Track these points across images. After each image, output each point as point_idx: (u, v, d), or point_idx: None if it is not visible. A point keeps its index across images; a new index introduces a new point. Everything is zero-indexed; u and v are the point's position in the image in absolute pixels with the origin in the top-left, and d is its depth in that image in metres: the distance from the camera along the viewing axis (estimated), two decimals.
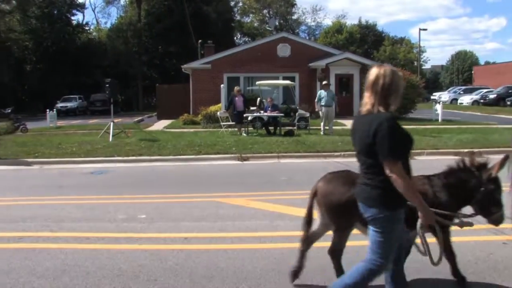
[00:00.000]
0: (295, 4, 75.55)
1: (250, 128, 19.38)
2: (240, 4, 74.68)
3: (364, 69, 26.97)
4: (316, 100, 18.64)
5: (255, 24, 74.32)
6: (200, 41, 37.53)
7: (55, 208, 7.91)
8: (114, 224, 6.75)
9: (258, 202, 7.76)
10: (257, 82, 22.53)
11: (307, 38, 68.51)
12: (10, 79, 49.31)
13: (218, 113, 20.79)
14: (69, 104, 42.14)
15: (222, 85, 24.91)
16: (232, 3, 68.96)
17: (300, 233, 4.39)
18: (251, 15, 76.42)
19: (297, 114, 20.30)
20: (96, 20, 76.06)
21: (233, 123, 19.35)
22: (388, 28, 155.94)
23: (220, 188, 9.27)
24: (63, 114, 37.59)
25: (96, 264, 5.12)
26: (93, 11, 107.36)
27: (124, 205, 8.00)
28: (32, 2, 52.20)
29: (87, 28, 59.75)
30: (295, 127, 19.16)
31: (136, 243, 5.84)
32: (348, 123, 22.27)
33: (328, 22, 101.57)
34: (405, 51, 68.11)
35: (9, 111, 23.15)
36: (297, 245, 4.40)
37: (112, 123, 17.92)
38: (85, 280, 4.68)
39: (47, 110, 26.70)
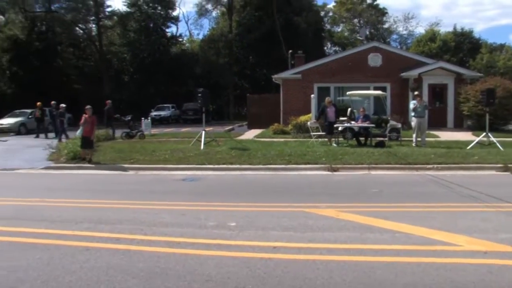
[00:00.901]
0: (387, 12, 74.07)
1: (341, 139, 19.13)
2: (331, 14, 74.36)
3: (459, 79, 25.94)
4: (411, 110, 18.09)
5: (346, 34, 73.53)
6: (290, 51, 37.63)
7: (148, 212, 8.21)
8: (205, 230, 6.86)
9: (348, 214, 7.62)
10: (348, 93, 22.22)
11: (399, 47, 66.87)
12: (109, 89, 51.97)
13: (309, 123, 20.68)
14: (162, 113, 43.65)
15: (312, 95, 24.86)
16: (323, 13, 68.83)
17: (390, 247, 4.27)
18: (341, 24, 75.77)
19: (388, 125, 19.79)
20: (189, 31, 78.64)
21: (323, 133, 19.20)
22: (485, 35, 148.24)
23: (310, 198, 9.22)
24: (157, 122, 38.88)
25: (186, 268, 5.24)
26: (186, 23, 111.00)
27: (214, 212, 8.13)
28: (131, 16, 54.79)
29: (180, 39, 61.71)
30: (386, 138, 18.68)
31: (225, 250, 5.90)
32: (442, 135, 21.55)
33: (420, 30, 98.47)
34: (505, 58, 64.57)
35: (129, 118, 24.34)
36: (387, 259, 4.28)
37: (203, 131, 18.32)
38: (176, 284, 4.79)
39: (142, 118, 27.78)
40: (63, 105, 24.97)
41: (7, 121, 31.46)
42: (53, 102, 27.10)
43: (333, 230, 6.70)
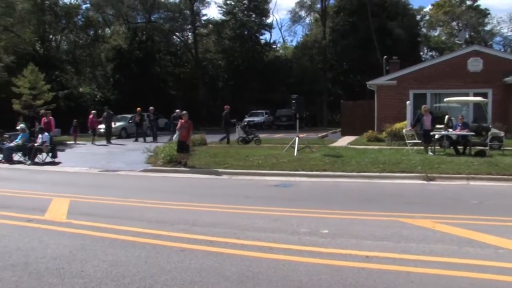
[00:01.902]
0: (489, 13, 70.18)
1: (437, 147, 18.44)
2: (427, 17, 71.80)
3: None
4: None
5: (443, 38, 70.64)
6: (385, 57, 36.83)
7: (242, 217, 8.32)
8: (297, 237, 6.85)
9: (445, 226, 7.32)
10: (446, 99, 21.38)
11: (503, 50, 63.26)
12: (204, 95, 53.39)
13: (404, 130, 20.14)
14: (256, 119, 44.15)
15: (408, 102, 24.18)
16: (418, 17, 66.64)
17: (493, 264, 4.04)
18: (438, 28, 72.81)
19: (489, 133, 18.78)
20: (283, 38, 79.27)
21: (419, 141, 18.61)
22: None
23: (404, 207, 8.96)
24: (251, 128, 39.35)
25: (278, 274, 5.25)
26: (280, 30, 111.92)
27: (306, 218, 8.10)
28: (226, 24, 56.03)
29: (274, 46, 62.26)
30: (487, 147, 17.75)
31: (317, 257, 5.85)
32: None
33: None
34: None
35: (245, 123, 24.82)
36: (490, 276, 4.06)
37: (297, 138, 18.34)
38: None
39: (236, 123, 28.26)
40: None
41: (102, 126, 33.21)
42: (151, 107, 28.26)
43: (428, 242, 6.45)
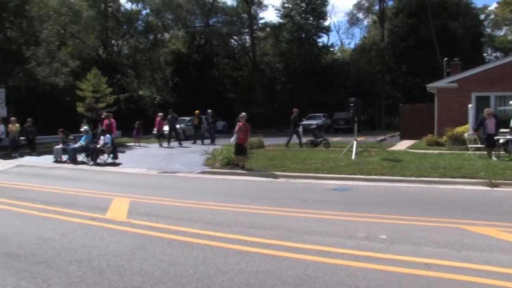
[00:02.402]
0: None
1: (502, 152, 17.78)
2: (492, 16, 69.20)
3: None
4: None
5: (509, 37, 67.92)
6: (445, 58, 35.85)
7: (299, 220, 8.30)
8: (354, 241, 6.78)
9: (510, 234, 7.04)
10: (511, 102, 20.66)
11: None
12: (262, 98, 53.62)
13: (466, 134, 19.53)
14: (313, 122, 43.79)
15: (470, 105, 23.44)
16: (482, 16, 64.25)
17: None
18: (504, 27, 69.90)
19: None
20: (340, 41, 78.68)
21: (482, 145, 18.01)
22: None
23: (466, 214, 8.67)
24: (308, 131, 39.15)
25: (334, 278, 5.22)
26: (337, 32, 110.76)
27: (364, 223, 8.01)
28: (283, 27, 56.11)
29: (332, 49, 61.79)
30: None
31: (375, 262, 5.78)
32: None
33: None
34: None
35: (314, 126, 24.75)
36: None
37: (355, 141, 18.15)
38: None
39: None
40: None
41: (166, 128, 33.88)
42: (209, 110, 28.61)
43: (492, 251, 6.22)
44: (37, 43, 36.66)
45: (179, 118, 33.99)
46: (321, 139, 23.98)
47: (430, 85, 27.74)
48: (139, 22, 55.82)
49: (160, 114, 29.69)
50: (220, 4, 60.20)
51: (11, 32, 34.13)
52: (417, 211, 9.11)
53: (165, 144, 28.07)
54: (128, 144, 29.65)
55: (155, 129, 29.78)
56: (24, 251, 6.58)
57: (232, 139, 16.97)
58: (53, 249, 6.62)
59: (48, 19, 38.88)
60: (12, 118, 24.92)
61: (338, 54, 66.19)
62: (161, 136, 28.61)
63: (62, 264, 5.97)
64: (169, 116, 29.11)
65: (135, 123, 30.02)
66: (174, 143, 28.50)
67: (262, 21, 60.86)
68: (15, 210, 9.68)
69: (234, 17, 58.38)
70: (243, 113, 17.06)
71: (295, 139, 24.56)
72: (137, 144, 29.39)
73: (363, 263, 5.76)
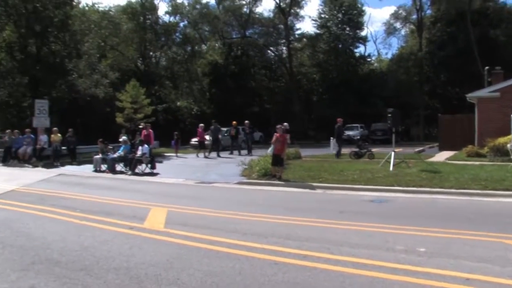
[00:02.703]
0: None
1: None
2: None
3: None
4: None
5: None
6: (486, 67, 35.13)
7: (336, 232, 8.24)
8: (392, 254, 6.67)
9: None
10: None
11: None
12: (299, 108, 53.58)
13: (508, 145, 19.07)
14: (351, 133, 43.47)
15: None
16: None
17: None
18: None
19: None
20: (377, 51, 77.82)
21: None
22: None
23: (509, 229, 8.40)
24: (346, 142, 38.81)
25: None
26: (374, 42, 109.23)
27: (403, 236, 7.88)
28: (320, 38, 56.03)
29: (369, 59, 61.39)
30: None
31: (413, 276, 5.67)
32: None
33: None
34: None
35: (358, 137, 24.49)
36: None
37: (393, 152, 17.94)
38: None
39: (331, 138, 28.07)
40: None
41: (207, 137, 34.16)
42: (246, 121, 28.74)
43: None
44: (78, 55, 37.63)
45: None
46: (365, 150, 23.67)
47: (470, 94, 27.20)
48: (177, 34, 56.86)
49: (201, 125, 29.47)
50: (257, 15, 60.65)
51: (55, 46, 35.18)
52: (457, 224, 8.91)
53: (202, 154, 27.94)
54: (166, 154, 29.99)
55: (196, 139, 29.93)
56: (65, 258, 6.75)
57: (269, 150, 16.99)
58: (92, 257, 6.75)
59: (89, 33, 39.94)
60: (54, 128, 25.72)
61: (375, 64, 65.58)
62: (202, 147, 28.49)
63: (101, 271, 6.09)
64: (212, 127, 28.95)
65: (174, 133, 30.28)
66: (212, 154, 28.66)
67: (298, 31, 61.08)
68: (56, 218, 9.93)
69: (270, 28, 58.64)
70: (285, 124, 17.07)
71: (331, 150, 24.41)
72: (176, 154, 29.40)
73: (401, 276, 5.66)
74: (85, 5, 50.70)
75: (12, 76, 35.17)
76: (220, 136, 29.94)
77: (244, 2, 60.45)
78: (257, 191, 14.60)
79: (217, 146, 28.60)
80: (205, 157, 27.21)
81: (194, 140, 32.57)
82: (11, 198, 13.17)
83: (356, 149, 23.71)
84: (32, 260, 6.66)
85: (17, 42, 34.38)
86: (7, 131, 27.20)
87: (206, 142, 28.84)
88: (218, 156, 27.63)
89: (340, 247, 7.06)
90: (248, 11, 60.10)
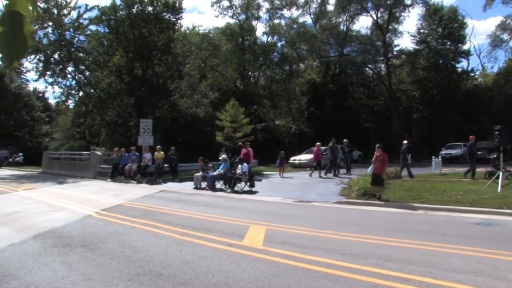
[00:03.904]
0: None
1: None
2: None
3: None
4: None
5: None
6: None
7: (439, 255, 7.91)
8: (504, 283, 6.31)
9: None
10: None
11: None
12: (398, 126, 52.31)
13: None
14: (453, 152, 41.79)
15: None
16: None
17: None
18: None
19: None
20: (482, 65, 74.27)
21: None
22: None
23: None
24: (447, 161, 37.33)
25: None
26: (478, 56, 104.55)
27: None
28: (419, 54, 54.52)
29: (472, 74, 58.65)
30: None
31: None
32: None
33: None
34: None
35: (495, 156, 22.97)
36: None
37: (501, 172, 17.04)
38: None
39: (432, 157, 27.10)
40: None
41: (305, 157, 34.26)
42: (345, 140, 28.44)
43: None
44: (180, 76, 39.27)
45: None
46: (504, 170, 21.63)
47: None
48: (275, 54, 57.69)
49: (318, 143, 28.36)
50: (354, 33, 60.18)
51: (159, 68, 37.02)
52: None
53: (316, 174, 27.16)
54: (265, 172, 30.31)
55: (312, 158, 29.10)
56: (167, 271, 7.05)
57: (369, 169, 16.70)
58: (192, 271, 6.98)
59: (190, 54, 41.54)
60: (158, 146, 26.90)
61: (480, 79, 62.52)
62: (318, 166, 27.51)
63: (201, 286, 6.28)
64: (330, 144, 27.88)
65: (279, 153, 30.05)
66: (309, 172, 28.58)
67: (397, 48, 59.74)
68: (159, 233, 10.35)
69: (368, 46, 57.87)
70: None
71: (432, 169, 23.50)
72: (281, 174, 28.63)
73: None
74: (186, 28, 53.22)
75: (120, 98, 37.45)
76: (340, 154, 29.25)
77: (340, 20, 60.29)
78: (356, 211, 14.38)
79: (335, 166, 27.50)
80: (320, 177, 26.31)
81: (297, 159, 32.60)
82: (118, 212, 13.97)
83: (492, 169, 21.84)
84: (137, 272, 7.03)
85: (125, 66, 36.62)
86: (115, 149, 28.93)
87: (301, 161, 28.69)
88: (336, 175, 26.52)
89: (443, 272, 6.81)
90: (345, 29, 59.84)
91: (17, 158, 50.90)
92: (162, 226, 11.07)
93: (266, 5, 59.21)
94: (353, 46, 60.36)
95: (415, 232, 10.37)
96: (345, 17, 59.61)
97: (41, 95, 71.70)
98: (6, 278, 6.93)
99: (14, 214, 13.96)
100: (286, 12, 61.09)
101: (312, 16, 62.07)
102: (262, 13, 59.43)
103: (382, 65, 60.22)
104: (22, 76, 58.48)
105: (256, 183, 21.27)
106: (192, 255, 8.06)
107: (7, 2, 1.70)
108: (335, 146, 27.57)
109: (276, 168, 30.44)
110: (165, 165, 26.74)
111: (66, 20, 37.48)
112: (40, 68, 37.51)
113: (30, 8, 1.76)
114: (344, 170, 28.53)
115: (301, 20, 61.48)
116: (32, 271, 7.27)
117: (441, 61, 53.36)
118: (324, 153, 31.83)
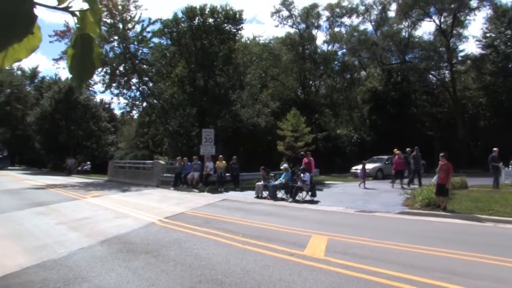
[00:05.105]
0: None
1: None
2: None
3: None
4: None
5: None
6: None
7: (509, 270, 7.66)
8: None
9: None
10: None
11: None
12: (464, 135, 50.79)
13: None
14: None
15: None
16: None
17: None
18: None
19: None
20: None
21: None
22: None
23: None
24: None
25: None
26: None
27: None
28: (486, 59, 52.77)
29: None
30: None
31: None
32: None
33: None
34: None
35: None
36: None
37: None
38: None
39: (503, 166, 26.08)
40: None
41: (367, 166, 33.79)
42: (408, 149, 27.84)
43: None
44: (241, 87, 39.72)
45: (377, 157, 33.73)
46: None
47: None
48: (336, 62, 57.40)
49: (398, 152, 26.67)
50: (417, 39, 58.90)
51: (220, 78, 37.58)
52: None
53: (398, 184, 25.75)
54: (326, 182, 30.13)
55: (393, 168, 27.14)
56: (229, 279, 7.15)
57: (434, 179, 16.32)
58: (254, 280, 7.05)
59: (251, 65, 41.98)
60: (220, 155, 27.29)
61: None
62: (399, 176, 26.24)
63: None
64: (414, 153, 26.13)
65: (362, 162, 28.82)
66: (371, 182, 28.16)
67: (462, 53, 57.98)
68: (220, 241, 10.49)
69: (431, 52, 56.47)
70: (442, 153, 16.32)
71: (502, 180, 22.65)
72: (361, 185, 26.70)
73: None
74: (247, 39, 53.82)
75: (182, 108, 38.27)
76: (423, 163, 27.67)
77: (402, 26, 59.20)
78: (420, 222, 14.05)
79: (419, 176, 25.79)
80: (402, 188, 24.33)
81: (359, 168, 32.06)
82: (181, 220, 14.27)
83: None
84: (199, 279, 7.17)
85: (187, 77, 37.43)
86: (178, 158, 29.58)
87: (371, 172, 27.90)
88: (420, 185, 24.24)
89: None
90: (407, 35, 58.71)
91: (85, 167, 52.83)
92: (224, 235, 11.22)
93: (326, 14, 59.11)
94: (416, 53, 59.11)
95: (483, 246, 10.02)
96: (406, 23, 58.50)
97: (107, 106, 74.48)
98: (77, 280, 7.33)
99: (83, 220, 14.57)
100: (346, 20, 60.77)
101: (372, 23, 61.36)
102: (322, 22, 59.33)
103: (446, 72, 58.61)
104: (90, 88, 60.87)
105: (318, 192, 21.14)
106: (253, 264, 8.13)
107: (78, 25, 1.79)
108: (418, 155, 25.97)
109: (338, 178, 30.21)
110: (227, 174, 27.07)
111: (130, 34, 38.88)
112: (107, 80, 39.09)
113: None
114: (406, 179, 27.62)
115: (361, 27, 60.97)
116: (100, 274, 7.61)
117: (510, 66, 51.39)
118: (387, 163, 31.31)
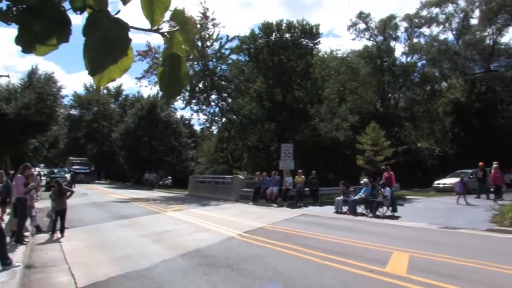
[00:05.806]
0: None
1: None
2: None
3: None
4: None
5: None
6: None
7: None
8: None
9: None
10: None
11: None
12: None
13: None
14: None
15: None
16: None
17: None
18: None
19: None
20: None
21: None
22: None
23: None
24: None
25: None
26: None
27: None
28: None
29: None
30: None
31: None
32: None
33: None
34: None
35: None
36: None
37: None
38: None
39: None
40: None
41: (450, 180, 32.73)
42: (495, 162, 26.63)
43: None
44: (319, 101, 39.69)
45: (461, 171, 32.55)
46: None
47: None
48: (415, 74, 56.09)
49: (496, 165, 25.10)
50: (503, 46, 56.41)
51: (298, 93, 37.77)
52: None
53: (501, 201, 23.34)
54: (407, 197, 29.42)
55: (492, 182, 25.59)
56: None
57: None
58: None
59: (329, 79, 41.88)
60: (299, 170, 27.35)
61: None
62: (497, 191, 24.78)
63: None
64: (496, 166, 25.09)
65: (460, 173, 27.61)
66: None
67: None
68: (299, 256, 10.53)
69: None
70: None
71: None
72: (462, 199, 24.44)
73: None
74: (324, 53, 53.66)
75: (261, 123, 38.70)
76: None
77: (486, 34, 56.84)
78: (510, 240, 13.42)
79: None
80: (495, 201, 22.66)
81: (441, 183, 31.10)
82: (260, 234, 14.42)
83: None
84: None
85: (265, 92, 37.91)
86: (257, 173, 29.86)
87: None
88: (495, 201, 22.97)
89: None
90: (491, 43, 56.37)
91: (167, 181, 54.37)
92: (303, 250, 11.24)
93: (404, 25, 57.88)
94: (501, 61, 56.67)
95: None
96: (491, 30, 56.16)
97: (187, 122, 76.29)
98: None
99: (164, 233, 15.05)
100: (425, 30, 59.13)
101: (454, 32, 59.35)
102: (400, 33, 58.13)
103: None
104: (171, 105, 62.80)
105: (399, 207, 20.67)
106: (333, 280, 8.10)
107: (166, 45, 1.92)
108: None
109: (419, 193, 29.37)
110: (306, 188, 27.03)
111: (209, 51, 39.75)
112: (187, 97, 40.16)
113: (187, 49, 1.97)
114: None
115: (442, 37, 59.08)
116: (180, 287, 7.83)
117: None
118: (471, 177, 30.12)
